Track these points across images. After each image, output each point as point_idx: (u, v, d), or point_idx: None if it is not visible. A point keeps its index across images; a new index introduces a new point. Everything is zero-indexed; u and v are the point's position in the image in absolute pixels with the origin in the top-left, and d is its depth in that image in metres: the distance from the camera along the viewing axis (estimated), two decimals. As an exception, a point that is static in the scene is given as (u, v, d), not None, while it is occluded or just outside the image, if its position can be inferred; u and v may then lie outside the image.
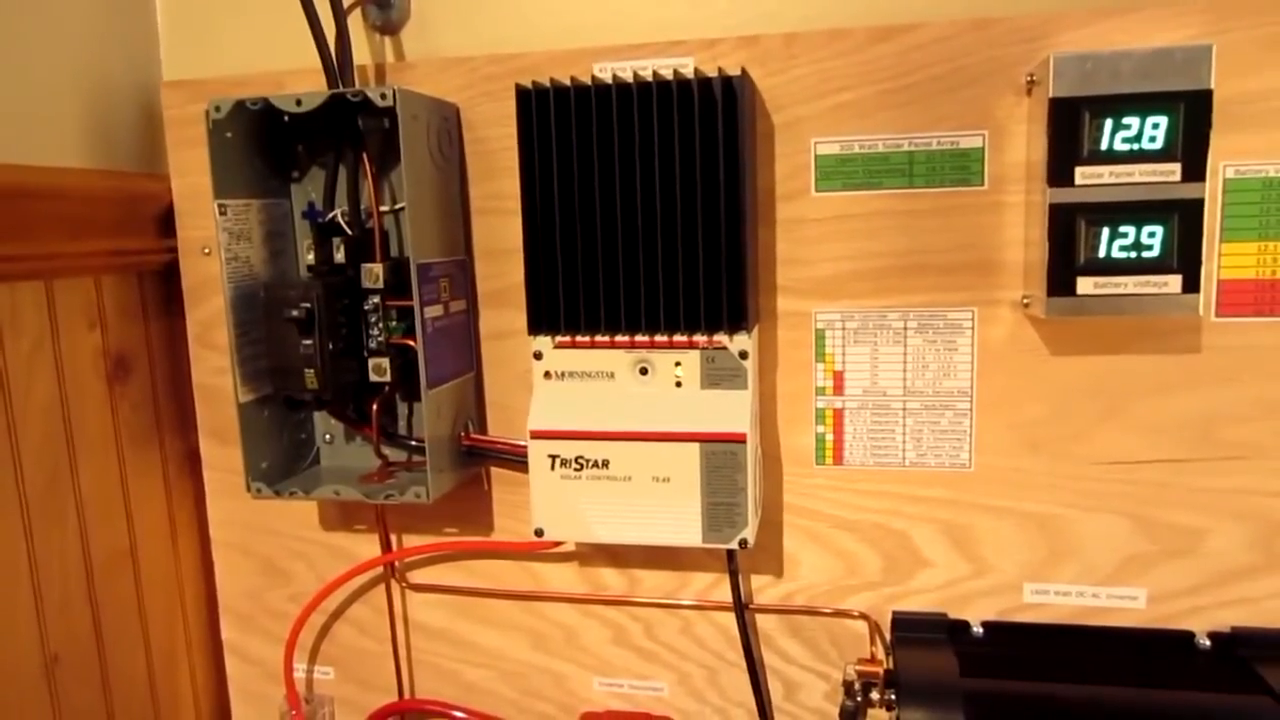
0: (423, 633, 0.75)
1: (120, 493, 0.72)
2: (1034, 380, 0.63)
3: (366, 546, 0.75)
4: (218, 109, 0.62)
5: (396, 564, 0.75)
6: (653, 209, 0.59)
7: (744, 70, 0.58)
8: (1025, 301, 0.61)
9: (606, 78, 0.59)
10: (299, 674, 0.78)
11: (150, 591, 0.75)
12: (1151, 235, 0.54)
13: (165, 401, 0.76)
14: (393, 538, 0.74)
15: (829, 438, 0.66)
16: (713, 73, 0.57)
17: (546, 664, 0.74)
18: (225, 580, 0.78)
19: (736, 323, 0.59)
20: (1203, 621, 0.63)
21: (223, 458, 0.75)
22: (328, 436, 0.72)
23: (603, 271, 0.60)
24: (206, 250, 0.73)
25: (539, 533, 0.63)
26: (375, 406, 0.66)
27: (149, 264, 0.74)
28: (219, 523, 0.77)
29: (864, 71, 0.62)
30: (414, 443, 0.68)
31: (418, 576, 0.75)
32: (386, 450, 0.68)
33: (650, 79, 0.58)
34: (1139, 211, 0.54)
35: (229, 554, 0.77)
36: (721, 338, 0.59)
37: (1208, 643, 0.63)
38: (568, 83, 0.59)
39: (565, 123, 0.59)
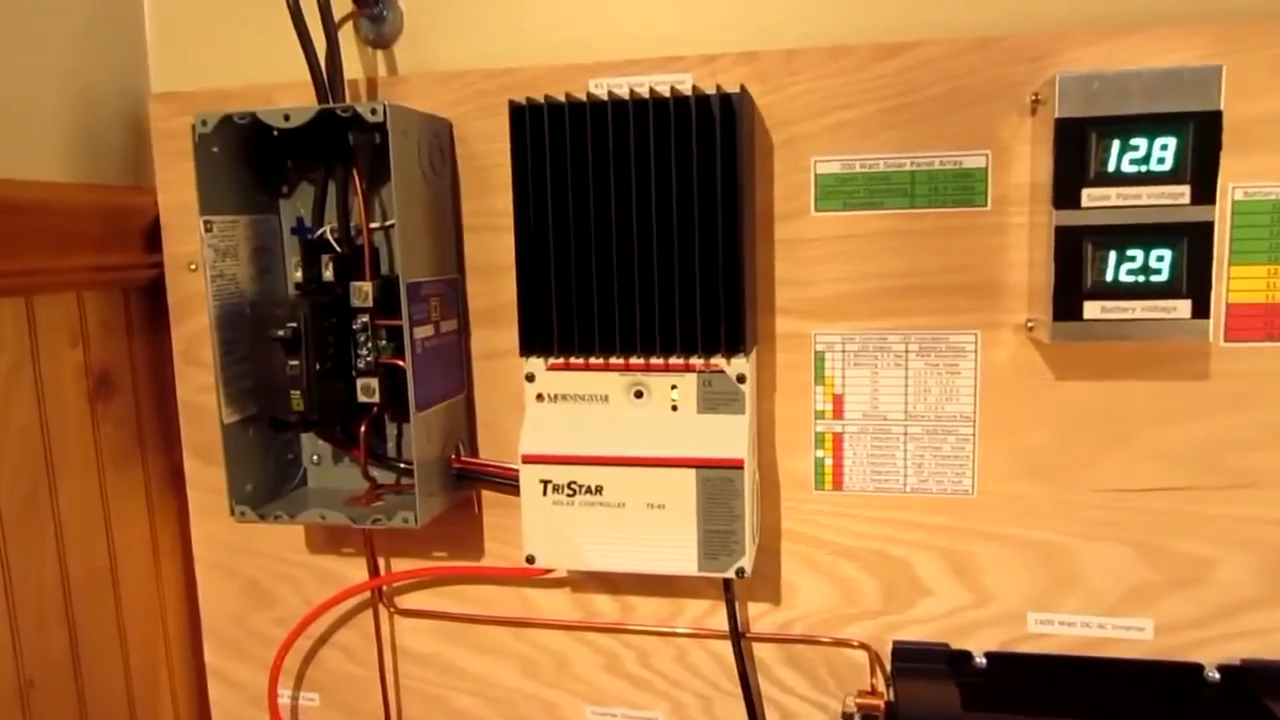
0: (411, 658, 0.74)
1: (101, 512, 0.70)
2: (1038, 405, 0.61)
3: (354, 569, 0.73)
4: (204, 123, 0.60)
5: (384, 588, 0.73)
6: (649, 228, 0.57)
7: (743, 87, 0.56)
8: (1029, 325, 0.59)
9: (602, 94, 0.58)
10: (283, 700, 0.76)
11: (131, 613, 0.73)
12: (1160, 259, 0.53)
13: (149, 419, 0.74)
14: (381, 561, 0.72)
15: (828, 462, 0.64)
16: (711, 89, 0.56)
17: (537, 691, 0.72)
18: (209, 602, 0.76)
19: (734, 345, 0.57)
20: (1211, 653, 0.61)
21: (207, 477, 0.73)
22: (315, 457, 0.70)
23: (597, 292, 0.58)
24: (193, 266, 0.71)
25: (530, 560, 0.61)
26: (363, 428, 0.64)
27: (134, 279, 0.72)
28: (203, 543, 0.75)
29: (865, 89, 0.61)
30: (403, 464, 0.67)
31: (406, 601, 0.73)
32: (375, 472, 0.67)
33: (647, 95, 0.57)
34: (1147, 234, 0.53)
35: (213, 575, 0.76)
36: (719, 360, 0.58)
37: (1217, 675, 0.61)
38: (562, 99, 0.58)
39: (560, 139, 0.58)
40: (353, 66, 0.69)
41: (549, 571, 0.68)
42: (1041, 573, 0.63)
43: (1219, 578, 0.61)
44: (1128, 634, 0.62)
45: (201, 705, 0.79)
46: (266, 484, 0.67)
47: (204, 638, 0.77)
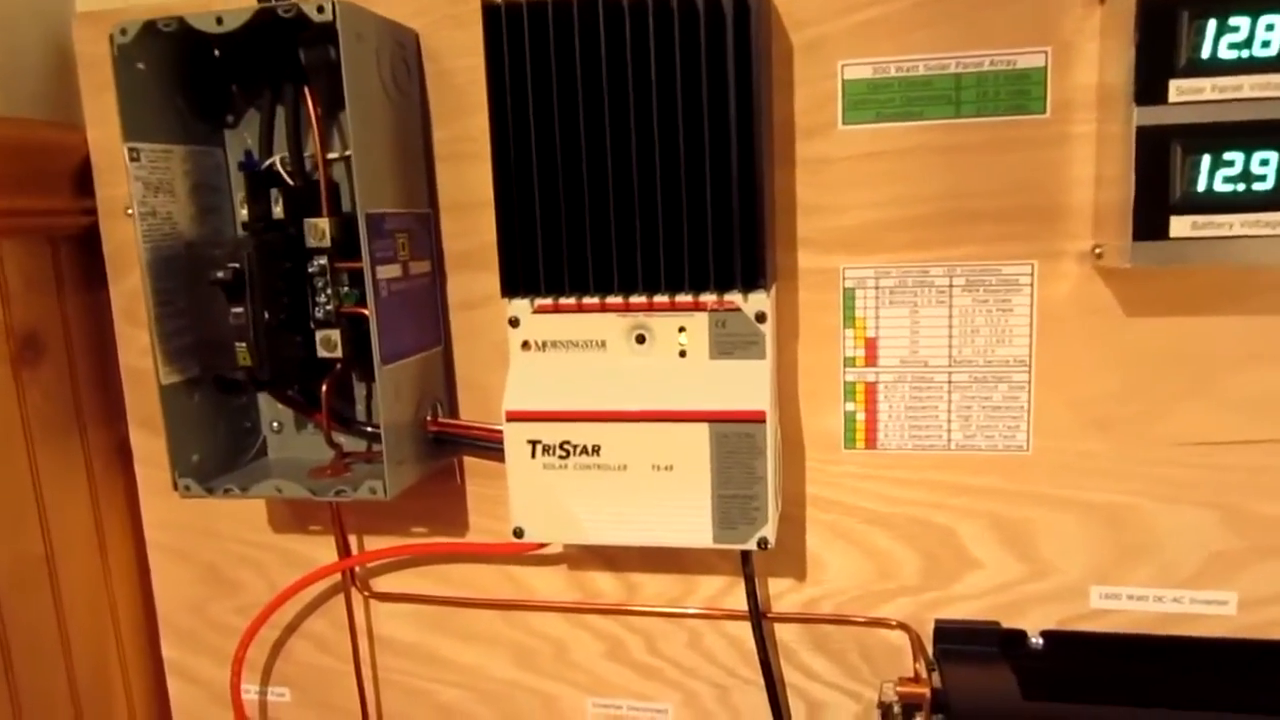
0: (389, 648, 0.67)
1: (32, 492, 0.62)
2: (1105, 347, 0.54)
3: (324, 550, 0.66)
4: (123, 32, 0.52)
5: (357, 570, 0.66)
6: (650, 147, 0.50)
7: (759, -27, 0.48)
8: (1098, 252, 0.51)
9: (592, -13, 0.50)
10: (250, 696, 0.69)
11: (73, 606, 0.66)
12: (1264, 163, 0.44)
13: (87, 387, 0.66)
14: (353, 540, 0.65)
15: (860, 417, 0.57)
16: (721, -22, 0.48)
17: (533, 683, 0.65)
18: (163, 591, 0.69)
19: (752, 280, 0.50)
20: (1303, 630, 0.54)
21: (157, 451, 0.65)
22: (276, 424, 0.63)
23: (590, 222, 0.51)
24: (130, 210, 0.62)
25: (519, 533, 0.54)
26: (325, 387, 0.57)
27: (63, 227, 0.64)
28: (155, 525, 0.68)
29: (900, -20, 0.52)
30: (372, 429, 0.59)
31: (382, 584, 0.66)
32: (341, 439, 0.59)
33: (645, -13, 0.48)
34: (1249, 134, 0.44)
35: (167, 561, 0.68)
36: (734, 298, 0.50)
37: (1310, 654, 0.54)
38: (545, -5, 0.50)
39: (543, 46, 0.50)
40: (304, -27, 0.60)
41: (541, 546, 0.62)
42: (1107, 540, 0.56)
43: (1313, 542, 0.53)
44: (1207, 609, 0.55)
45: (161, 705, 0.72)
46: (217, 454, 0.59)
47: (160, 630, 0.70)
